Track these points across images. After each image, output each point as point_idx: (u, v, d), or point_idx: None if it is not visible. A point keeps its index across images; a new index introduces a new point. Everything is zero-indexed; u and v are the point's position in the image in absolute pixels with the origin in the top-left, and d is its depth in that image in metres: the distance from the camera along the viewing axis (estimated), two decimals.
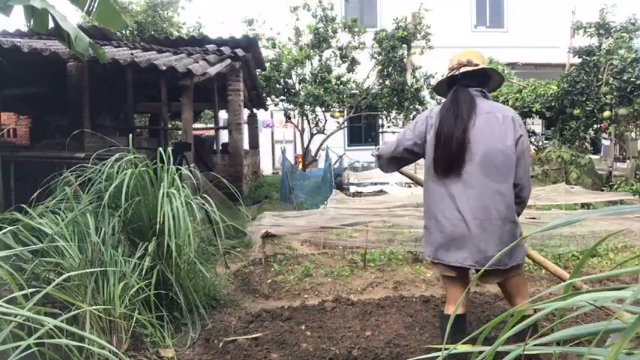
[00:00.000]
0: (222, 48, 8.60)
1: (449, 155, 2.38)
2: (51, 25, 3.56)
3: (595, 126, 9.80)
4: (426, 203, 2.56)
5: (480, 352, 1.01)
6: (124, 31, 13.10)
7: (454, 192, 2.38)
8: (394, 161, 2.62)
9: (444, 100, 2.56)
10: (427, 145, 2.50)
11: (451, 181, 2.39)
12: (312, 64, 13.23)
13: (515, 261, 2.41)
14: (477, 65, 2.47)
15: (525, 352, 0.98)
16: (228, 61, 8.18)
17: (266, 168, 17.68)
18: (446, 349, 1.10)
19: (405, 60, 13.20)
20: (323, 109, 13.20)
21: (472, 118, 2.37)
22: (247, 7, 16.19)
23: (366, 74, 13.43)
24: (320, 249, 5.95)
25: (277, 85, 13.24)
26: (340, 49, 13.22)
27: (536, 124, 14.36)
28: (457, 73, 2.49)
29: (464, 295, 2.21)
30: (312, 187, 9.62)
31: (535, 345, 1.03)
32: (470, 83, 2.47)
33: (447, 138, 2.38)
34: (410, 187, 10.39)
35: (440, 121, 2.43)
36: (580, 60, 9.61)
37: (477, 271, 2.37)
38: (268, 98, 13.61)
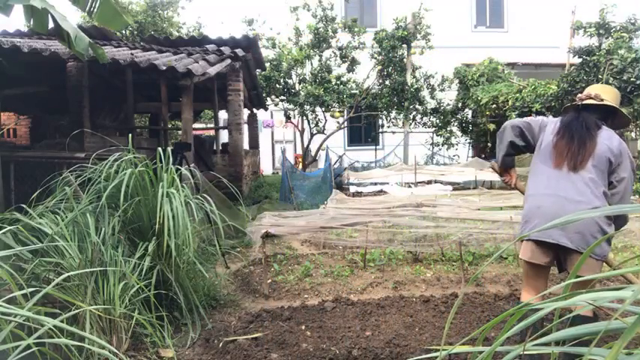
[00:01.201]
0: (222, 48, 8.60)
1: (578, 152, 2.59)
2: (51, 25, 3.56)
3: None
4: (534, 189, 2.72)
5: (480, 352, 1.01)
6: (124, 31, 13.10)
7: (565, 181, 2.58)
8: (513, 129, 2.85)
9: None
10: (546, 141, 2.72)
11: (568, 174, 2.59)
12: (312, 64, 13.23)
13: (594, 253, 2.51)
14: (602, 101, 2.71)
15: (525, 352, 0.98)
16: (228, 61, 8.18)
17: (266, 168, 17.69)
18: (444, 349, 1.10)
19: (405, 60, 13.21)
20: (323, 109, 13.21)
21: (596, 131, 2.62)
22: (247, 7, 16.24)
23: (366, 74, 13.44)
24: (320, 249, 5.95)
25: (277, 85, 13.24)
26: (340, 49, 13.22)
27: None
28: (580, 103, 2.76)
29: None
30: (312, 187, 9.62)
31: (535, 345, 1.03)
32: (592, 114, 2.71)
33: (579, 141, 2.61)
34: (410, 186, 10.40)
35: (570, 125, 2.68)
36: (580, 60, 9.61)
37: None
38: (268, 98, 13.61)
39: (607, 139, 2.59)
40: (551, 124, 2.76)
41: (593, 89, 2.78)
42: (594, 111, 2.71)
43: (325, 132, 13.61)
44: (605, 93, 2.75)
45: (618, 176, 2.57)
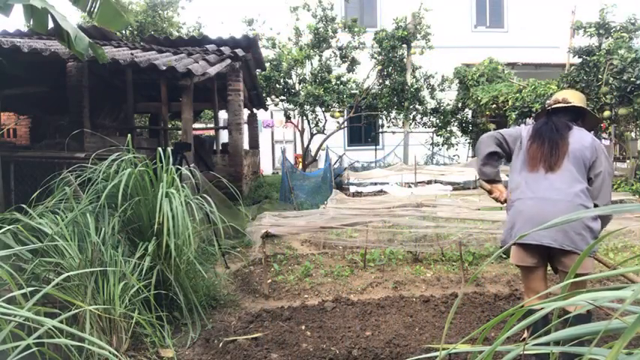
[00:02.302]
0: (222, 48, 8.60)
1: (551, 154, 2.67)
2: (51, 25, 3.56)
3: None
4: (515, 195, 2.77)
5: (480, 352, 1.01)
6: (124, 31, 13.10)
7: (543, 183, 2.64)
8: (491, 140, 2.92)
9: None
10: (523, 149, 2.80)
11: (545, 175, 2.65)
12: (312, 64, 13.23)
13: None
14: (568, 103, 2.83)
15: (525, 352, 0.98)
16: (228, 61, 8.18)
17: (266, 168, 17.68)
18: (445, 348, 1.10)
19: (405, 60, 13.21)
20: (323, 109, 13.20)
21: (567, 132, 2.71)
22: (247, 7, 16.23)
23: (366, 74, 13.43)
24: (320, 249, 5.95)
25: (277, 85, 13.24)
26: (340, 49, 13.22)
27: None
28: (549, 108, 2.87)
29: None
30: (312, 187, 9.62)
31: (535, 345, 1.03)
32: (562, 117, 2.81)
33: (550, 143, 2.69)
34: (410, 186, 10.40)
35: (540, 130, 2.76)
36: (580, 60, 9.61)
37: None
38: (268, 98, 13.61)
39: (579, 137, 2.68)
40: (524, 130, 2.86)
41: (561, 94, 2.92)
42: (564, 114, 2.81)
43: (325, 132, 13.60)
44: (572, 96, 2.87)
45: (595, 172, 2.63)
